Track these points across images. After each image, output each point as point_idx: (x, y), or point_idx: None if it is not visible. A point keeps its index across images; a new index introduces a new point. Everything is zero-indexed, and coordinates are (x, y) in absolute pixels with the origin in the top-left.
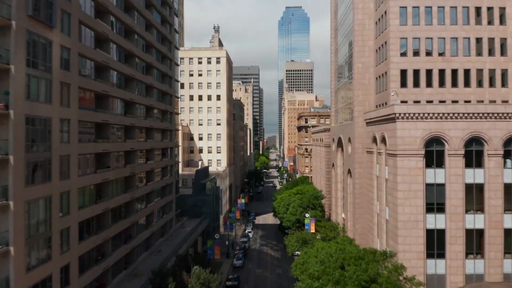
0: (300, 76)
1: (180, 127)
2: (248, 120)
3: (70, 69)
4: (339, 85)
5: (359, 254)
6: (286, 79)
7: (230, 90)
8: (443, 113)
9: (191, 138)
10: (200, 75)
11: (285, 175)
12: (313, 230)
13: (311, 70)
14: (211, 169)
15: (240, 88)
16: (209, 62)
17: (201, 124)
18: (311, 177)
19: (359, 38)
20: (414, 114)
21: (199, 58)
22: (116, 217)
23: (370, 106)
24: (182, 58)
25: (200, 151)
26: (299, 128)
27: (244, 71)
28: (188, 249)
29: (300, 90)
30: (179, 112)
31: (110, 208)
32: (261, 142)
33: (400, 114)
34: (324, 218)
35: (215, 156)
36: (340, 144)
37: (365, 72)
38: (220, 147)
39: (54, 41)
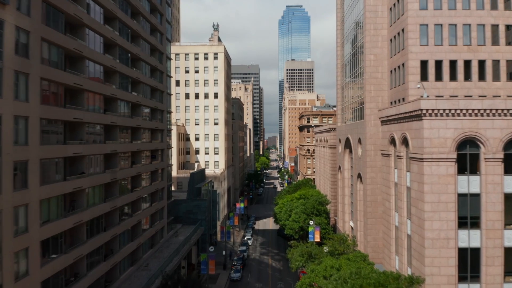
0: (301, 76)
1: (174, 127)
2: (248, 120)
3: (30, 56)
4: (346, 81)
5: (379, 280)
6: (287, 78)
7: (228, 88)
8: (479, 109)
9: (187, 139)
10: (196, 71)
11: (286, 176)
12: (317, 239)
13: (312, 70)
14: (208, 171)
15: (240, 87)
16: (206, 58)
17: (198, 124)
18: (313, 179)
19: (371, 26)
20: (444, 110)
21: (195, 54)
22: (93, 230)
23: (383, 103)
24: (177, 54)
25: (197, 152)
26: (301, 128)
27: (244, 70)
28: (180, 262)
29: (301, 89)
30: (172, 111)
31: (85, 221)
32: (261, 142)
33: (427, 110)
34: (329, 225)
35: (212, 158)
36: (348, 145)
37: (378, 64)
38: (217, 148)
39: (6, 21)
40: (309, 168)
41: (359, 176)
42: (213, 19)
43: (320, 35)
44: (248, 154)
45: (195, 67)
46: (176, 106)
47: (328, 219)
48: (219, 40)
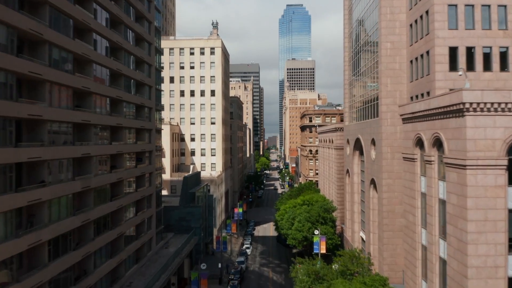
0: (302, 75)
1: (167, 126)
2: (248, 120)
3: None
4: (356, 76)
5: None
6: (287, 77)
7: (226, 85)
8: None
9: (182, 139)
10: (192, 67)
11: (287, 178)
12: (323, 251)
13: (313, 69)
14: (204, 174)
15: (239, 86)
16: (202, 53)
17: (193, 123)
18: (316, 182)
19: (387, 10)
20: (492, 104)
21: (191, 49)
22: (59, 250)
23: (401, 98)
24: (171, 49)
25: (192, 153)
26: (303, 128)
27: (243, 68)
28: (169, 279)
29: (302, 89)
30: (166, 109)
31: (47, 240)
32: (261, 142)
33: (471, 104)
34: (336, 235)
35: (209, 159)
36: (358, 146)
37: (396, 54)
38: (214, 149)
39: None
40: (312, 170)
41: (373, 182)
42: (213, 19)
43: (321, 35)
44: (247, 155)
45: (190, 62)
46: (170, 104)
47: (335, 227)
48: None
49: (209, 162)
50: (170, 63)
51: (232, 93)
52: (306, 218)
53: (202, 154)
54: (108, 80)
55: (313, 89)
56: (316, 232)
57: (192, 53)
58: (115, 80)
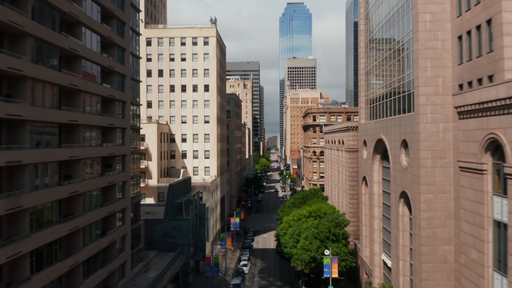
0: (303, 74)
1: (154, 126)
2: (248, 119)
3: None
4: (376, 62)
5: None
6: (288, 77)
7: (222, 80)
8: None
9: (172, 140)
10: (183, 59)
11: (289, 180)
12: (335, 275)
13: (314, 68)
14: (196, 179)
15: (238, 84)
16: (194, 44)
17: (185, 122)
18: (322, 186)
19: None
20: None
21: (182, 38)
22: None
23: (445, 87)
24: (160, 38)
25: (184, 156)
26: (306, 127)
27: (243, 66)
28: None
29: (303, 87)
30: (141, 103)
31: None
32: (261, 143)
33: None
34: (350, 256)
35: (202, 163)
36: (379, 149)
37: (437, 29)
38: (208, 150)
39: None
40: (316, 173)
41: (404, 195)
42: (212, 16)
43: (321, 35)
44: (247, 156)
45: (181, 54)
46: (159, 101)
47: (348, 245)
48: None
49: (203, 166)
50: (158, 54)
51: (230, 91)
52: (314, 234)
53: (195, 157)
54: (57, 62)
55: (314, 88)
56: (327, 252)
57: (183, 44)
58: (70, 64)
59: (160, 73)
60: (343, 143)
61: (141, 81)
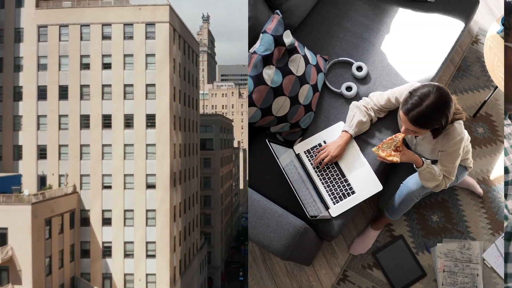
0: None
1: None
2: (244, 136)
3: None
4: None
5: None
6: None
7: (190, 98)
8: None
9: (84, 223)
10: (106, 67)
11: None
12: None
13: None
14: None
15: (232, 92)
16: (129, 37)
17: (109, 187)
18: None
19: None
20: None
21: (104, 26)
22: None
23: None
24: (64, 26)
25: (106, 253)
26: None
27: (238, 70)
28: None
29: None
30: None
31: None
32: None
33: None
34: None
35: (141, 263)
36: None
37: None
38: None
39: None
40: None
41: None
42: (213, 18)
43: None
44: (241, 186)
45: (103, 55)
46: (60, 146)
47: None
48: (210, 34)
49: (143, 273)
50: (60, 56)
51: (223, 101)
52: None
53: (127, 255)
54: None
55: None
56: None
57: (106, 37)
58: None
59: (63, 95)
60: None
61: None
